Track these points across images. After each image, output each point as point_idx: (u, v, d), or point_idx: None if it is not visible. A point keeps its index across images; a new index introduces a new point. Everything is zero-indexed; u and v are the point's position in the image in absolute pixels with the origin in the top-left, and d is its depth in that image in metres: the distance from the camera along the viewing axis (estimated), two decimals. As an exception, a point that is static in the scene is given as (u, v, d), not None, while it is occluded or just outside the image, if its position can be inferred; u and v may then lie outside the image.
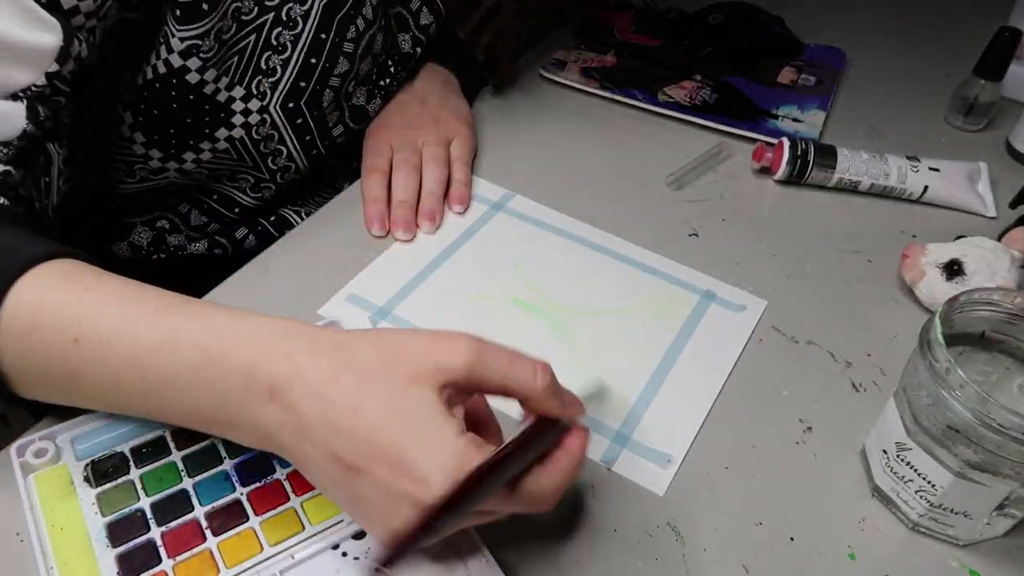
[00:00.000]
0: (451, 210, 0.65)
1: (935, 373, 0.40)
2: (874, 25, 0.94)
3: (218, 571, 0.40)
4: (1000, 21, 0.77)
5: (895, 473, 0.45)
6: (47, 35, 0.44)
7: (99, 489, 0.43)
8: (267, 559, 0.40)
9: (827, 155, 0.68)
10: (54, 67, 0.45)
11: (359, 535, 0.42)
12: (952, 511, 0.43)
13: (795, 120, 0.76)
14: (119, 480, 0.43)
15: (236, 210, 0.67)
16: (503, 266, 0.60)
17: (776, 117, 0.76)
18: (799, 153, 0.68)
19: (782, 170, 0.68)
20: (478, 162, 0.70)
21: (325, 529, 0.42)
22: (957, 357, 0.44)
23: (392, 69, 0.69)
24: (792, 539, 0.45)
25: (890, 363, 0.55)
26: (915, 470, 0.43)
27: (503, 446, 0.35)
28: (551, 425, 0.38)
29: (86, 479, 0.43)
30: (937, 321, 0.41)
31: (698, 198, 0.68)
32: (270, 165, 0.64)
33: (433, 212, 0.63)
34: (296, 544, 0.41)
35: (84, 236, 0.66)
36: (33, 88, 0.45)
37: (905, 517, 0.46)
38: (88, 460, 0.44)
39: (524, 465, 0.36)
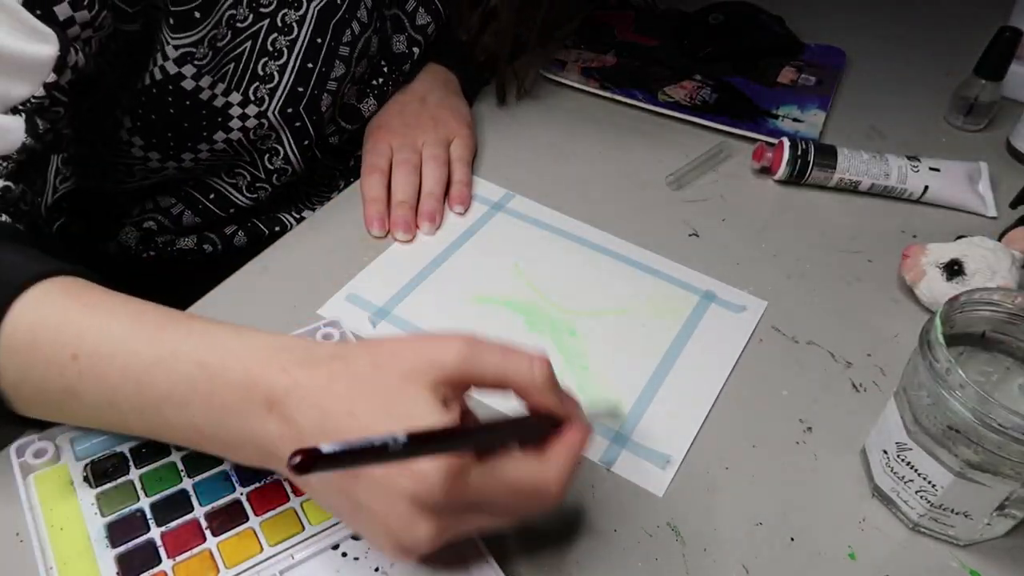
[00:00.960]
0: (451, 210, 0.65)
1: (935, 373, 0.40)
2: (874, 25, 0.94)
3: (218, 571, 0.40)
4: (1000, 21, 0.77)
5: (895, 473, 0.45)
6: (44, 46, 0.44)
7: (99, 489, 0.43)
8: (267, 559, 0.40)
9: (827, 155, 0.68)
10: (52, 77, 0.45)
11: (359, 535, 0.42)
12: (952, 511, 0.43)
13: (795, 120, 0.76)
14: (119, 480, 0.43)
15: (231, 210, 0.67)
16: (503, 266, 0.60)
17: (776, 117, 0.76)
18: (799, 153, 0.68)
19: (782, 170, 0.68)
20: (478, 162, 0.70)
21: (325, 529, 0.42)
22: (957, 357, 0.44)
23: (385, 69, 0.69)
24: (792, 539, 0.45)
25: (890, 363, 0.55)
26: (915, 470, 0.43)
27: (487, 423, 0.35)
28: (544, 418, 0.38)
29: (86, 479, 0.43)
30: (937, 321, 0.41)
31: (698, 198, 0.68)
32: (267, 164, 0.64)
33: (433, 212, 0.63)
34: (296, 544, 0.41)
35: (76, 234, 0.66)
36: (32, 100, 0.45)
37: (905, 517, 0.46)
38: (88, 460, 0.44)
39: (503, 440, 0.36)
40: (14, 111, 0.44)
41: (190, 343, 0.38)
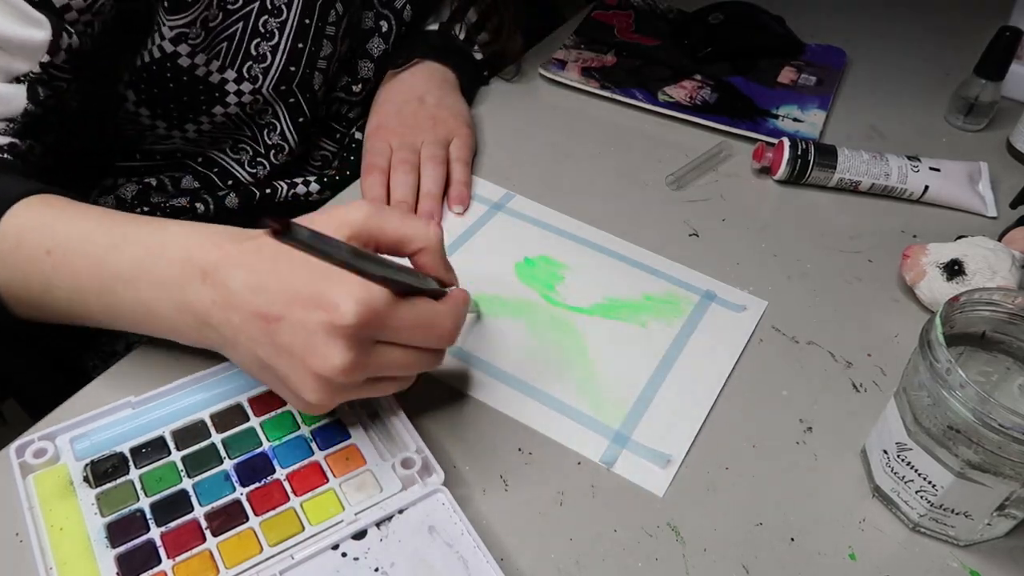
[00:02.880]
0: (451, 211, 0.65)
1: (936, 373, 0.40)
2: (874, 25, 0.94)
3: (218, 571, 0.40)
4: (1000, 21, 0.77)
5: (895, 473, 0.45)
6: (37, 31, 0.49)
7: (98, 489, 0.43)
8: (267, 559, 0.40)
9: (827, 155, 0.68)
10: (46, 58, 0.50)
11: (359, 535, 0.42)
12: (952, 511, 0.43)
13: (795, 120, 0.76)
14: (118, 480, 0.43)
15: (229, 182, 0.70)
16: (503, 266, 0.60)
17: (776, 117, 0.76)
18: (799, 153, 0.68)
19: (782, 170, 0.68)
20: (478, 162, 0.70)
21: (325, 529, 0.42)
22: (958, 357, 0.44)
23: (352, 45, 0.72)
24: (792, 539, 0.45)
25: (890, 363, 0.55)
26: (915, 470, 0.43)
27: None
28: (436, 280, 0.44)
29: (85, 479, 0.43)
30: (938, 321, 0.41)
31: (698, 198, 0.68)
32: (265, 139, 0.67)
33: (431, 212, 0.63)
34: (296, 544, 0.41)
35: (73, 184, 0.68)
36: (32, 74, 0.50)
37: (905, 517, 0.46)
38: (87, 460, 0.44)
39: (408, 284, 0.41)
40: (17, 80, 0.50)
41: (141, 231, 0.45)
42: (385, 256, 0.41)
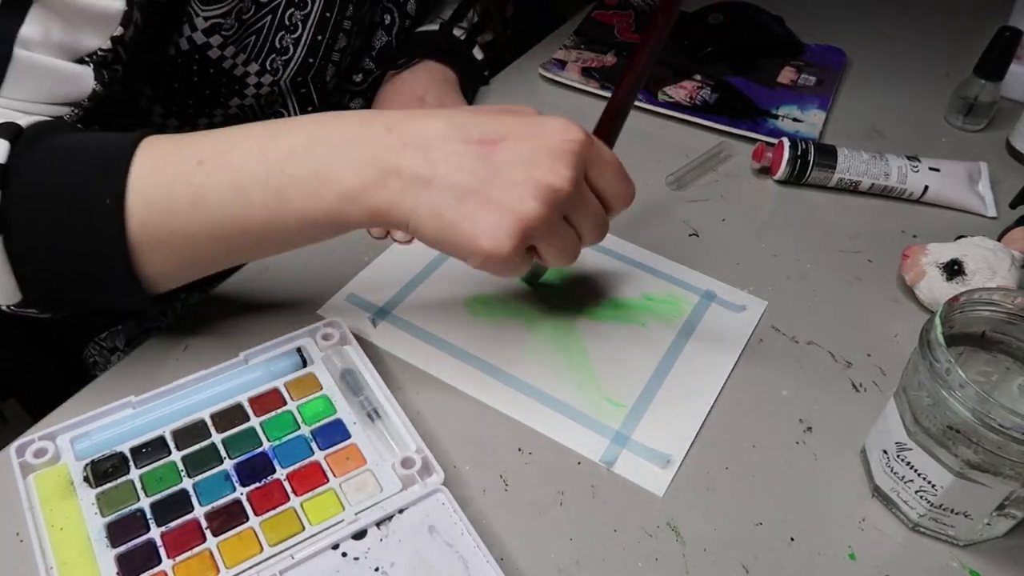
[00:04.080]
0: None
1: (935, 373, 0.40)
2: (874, 25, 0.94)
3: (218, 571, 0.40)
4: (1000, 21, 0.77)
5: (895, 473, 0.45)
6: (113, 1, 0.47)
7: (99, 489, 0.43)
8: (267, 559, 0.40)
9: (827, 155, 0.68)
10: (119, 31, 0.48)
11: (359, 535, 0.42)
12: (952, 511, 0.43)
13: (795, 120, 0.76)
14: (119, 480, 0.43)
15: None
16: (503, 266, 0.60)
17: (776, 117, 0.76)
18: (799, 153, 0.68)
19: (782, 170, 0.68)
20: (478, 162, 0.70)
21: (325, 529, 0.42)
22: (957, 357, 0.44)
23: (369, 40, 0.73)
24: (792, 539, 0.45)
25: (890, 363, 0.55)
26: (915, 470, 0.43)
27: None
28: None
29: (86, 479, 0.43)
30: (937, 321, 0.41)
31: (698, 198, 0.68)
32: None
33: None
34: (296, 544, 0.41)
35: None
36: (99, 52, 0.48)
37: (905, 517, 0.46)
38: (88, 460, 0.44)
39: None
40: (82, 61, 0.48)
41: (299, 118, 0.44)
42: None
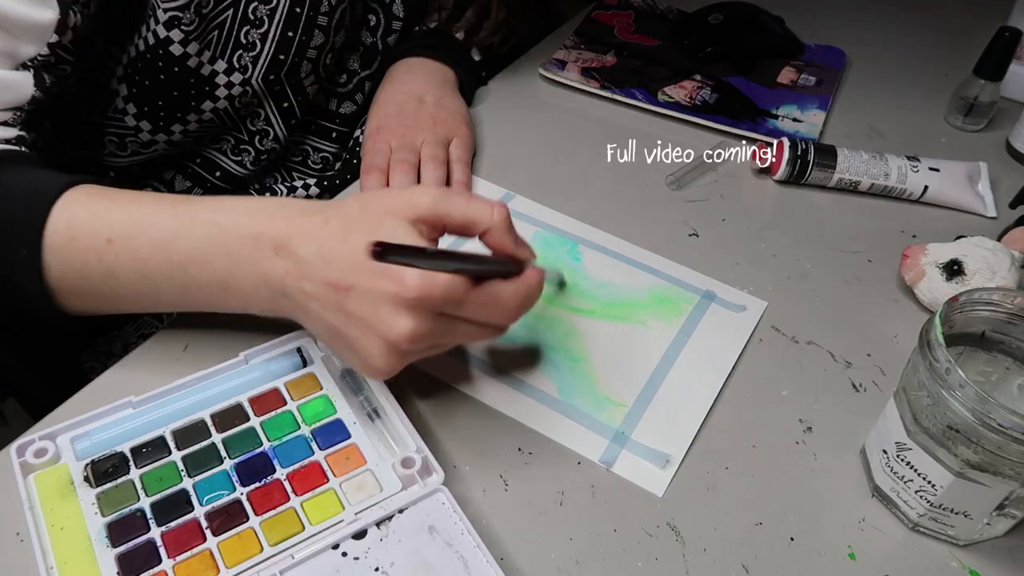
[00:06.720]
0: (451, 211, 0.65)
1: (935, 373, 0.40)
2: (874, 25, 0.94)
3: (218, 571, 0.40)
4: (1000, 21, 0.77)
5: (895, 473, 0.45)
6: (45, 11, 0.49)
7: (99, 489, 0.43)
8: (267, 559, 0.40)
9: (827, 155, 0.68)
10: (54, 38, 0.50)
11: (359, 535, 0.42)
12: (952, 511, 0.43)
13: (795, 120, 0.76)
14: (119, 480, 0.43)
15: (217, 173, 0.70)
16: (503, 266, 0.60)
17: (776, 117, 0.76)
18: (799, 153, 0.68)
19: (782, 170, 0.68)
20: (478, 162, 0.70)
21: (325, 529, 0.42)
22: (957, 357, 0.44)
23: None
24: (792, 539, 0.45)
25: (890, 363, 0.55)
26: (915, 470, 0.43)
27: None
28: (505, 262, 0.45)
29: (86, 479, 0.43)
30: (937, 321, 0.41)
31: (698, 198, 0.68)
32: (249, 127, 0.68)
33: None
34: (296, 544, 0.41)
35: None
36: (39, 57, 0.50)
37: (905, 517, 0.46)
38: (88, 460, 0.44)
39: (480, 266, 0.42)
40: (24, 67, 0.50)
41: (205, 209, 0.46)
42: (462, 251, 0.43)
